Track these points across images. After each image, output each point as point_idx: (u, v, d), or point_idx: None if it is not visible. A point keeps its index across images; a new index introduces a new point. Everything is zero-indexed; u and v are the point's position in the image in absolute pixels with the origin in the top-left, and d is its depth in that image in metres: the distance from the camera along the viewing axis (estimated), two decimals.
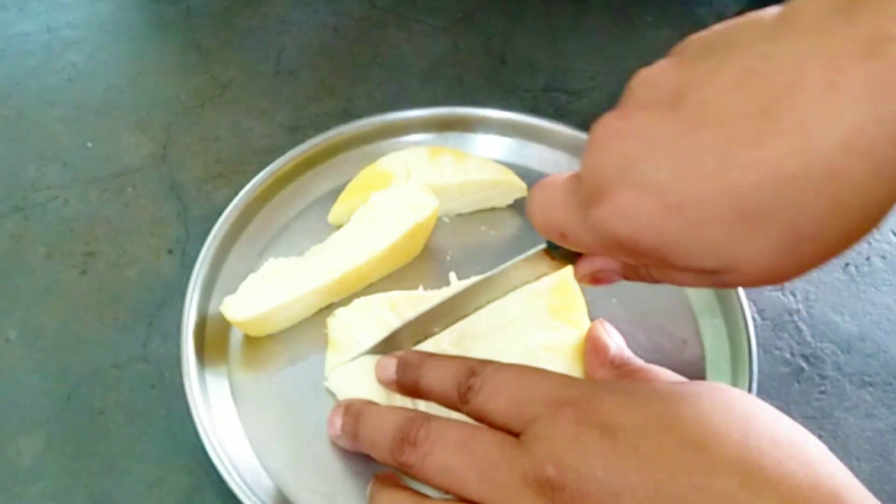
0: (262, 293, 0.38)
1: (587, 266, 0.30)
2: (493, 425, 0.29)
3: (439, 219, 0.45)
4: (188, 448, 0.37)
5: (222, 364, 0.39)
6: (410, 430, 0.30)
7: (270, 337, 0.40)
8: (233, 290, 0.39)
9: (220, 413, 0.37)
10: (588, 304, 0.39)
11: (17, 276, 0.44)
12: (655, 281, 0.28)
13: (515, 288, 0.36)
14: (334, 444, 0.36)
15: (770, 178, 0.20)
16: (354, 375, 0.37)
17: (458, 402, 0.31)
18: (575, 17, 0.62)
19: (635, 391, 0.27)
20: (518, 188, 0.46)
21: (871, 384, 0.43)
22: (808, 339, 0.44)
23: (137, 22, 0.60)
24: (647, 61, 0.25)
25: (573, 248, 0.28)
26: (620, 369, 0.33)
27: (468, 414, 0.30)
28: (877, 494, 0.39)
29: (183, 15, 0.59)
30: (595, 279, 0.30)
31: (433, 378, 0.32)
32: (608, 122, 0.24)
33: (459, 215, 0.46)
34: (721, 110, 0.21)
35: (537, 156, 0.49)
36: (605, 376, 0.34)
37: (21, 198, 0.48)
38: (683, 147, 0.21)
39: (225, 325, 0.40)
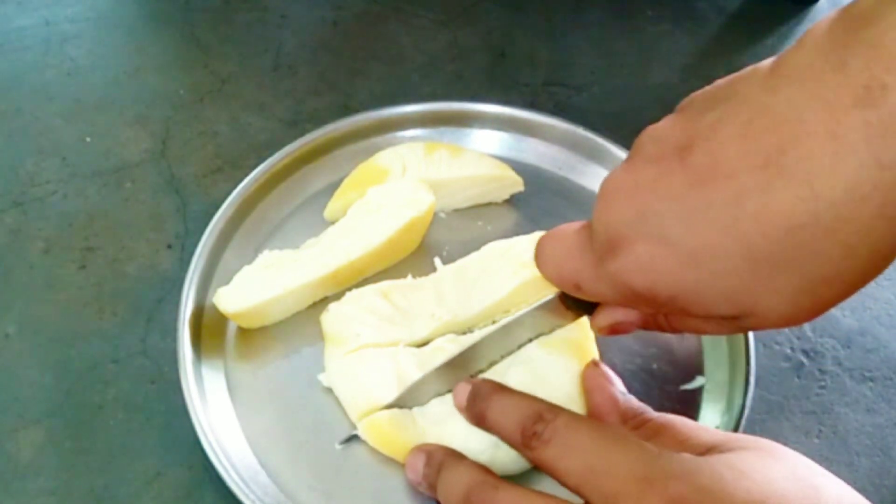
0: (255, 285, 0.38)
1: (606, 317, 0.29)
2: (563, 484, 0.28)
3: (435, 214, 0.45)
4: (187, 443, 0.37)
5: (219, 358, 0.39)
6: (478, 500, 0.29)
7: (265, 330, 0.40)
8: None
9: (217, 409, 0.37)
10: None
11: (16, 271, 0.44)
12: (675, 330, 0.28)
13: (530, 340, 0.36)
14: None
15: (780, 227, 0.20)
16: (349, 370, 0.37)
17: (520, 445, 0.30)
18: (575, 11, 0.61)
19: (718, 472, 0.27)
20: (514, 183, 0.45)
21: (871, 379, 0.43)
22: (808, 333, 0.44)
23: (136, 16, 0.59)
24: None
25: (589, 300, 0.28)
26: (634, 420, 0.33)
27: (531, 460, 0.30)
28: (877, 490, 0.40)
29: (182, 9, 0.59)
30: (613, 330, 0.30)
31: (499, 414, 0.32)
32: (618, 177, 0.25)
33: (456, 211, 0.46)
34: (727, 162, 0.21)
35: (534, 150, 0.49)
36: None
37: (20, 192, 0.48)
38: (694, 199, 0.22)
39: (221, 320, 0.40)
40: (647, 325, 0.29)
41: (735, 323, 0.24)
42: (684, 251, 0.22)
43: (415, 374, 0.36)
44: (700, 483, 0.26)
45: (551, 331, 0.36)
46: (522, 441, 0.30)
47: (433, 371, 0.35)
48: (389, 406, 0.36)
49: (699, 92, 0.25)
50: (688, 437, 0.30)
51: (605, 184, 0.25)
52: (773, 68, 0.21)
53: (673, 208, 0.23)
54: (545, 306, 0.33)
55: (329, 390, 0.38)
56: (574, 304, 0.31)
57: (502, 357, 0.36)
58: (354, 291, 0.39)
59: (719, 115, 0.22)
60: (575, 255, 0.27)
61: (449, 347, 0.37)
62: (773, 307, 0.22)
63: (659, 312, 0.28)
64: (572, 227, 0.28)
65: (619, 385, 0.35)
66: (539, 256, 0.29)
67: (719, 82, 0.24)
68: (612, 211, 0.25)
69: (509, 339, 0.36)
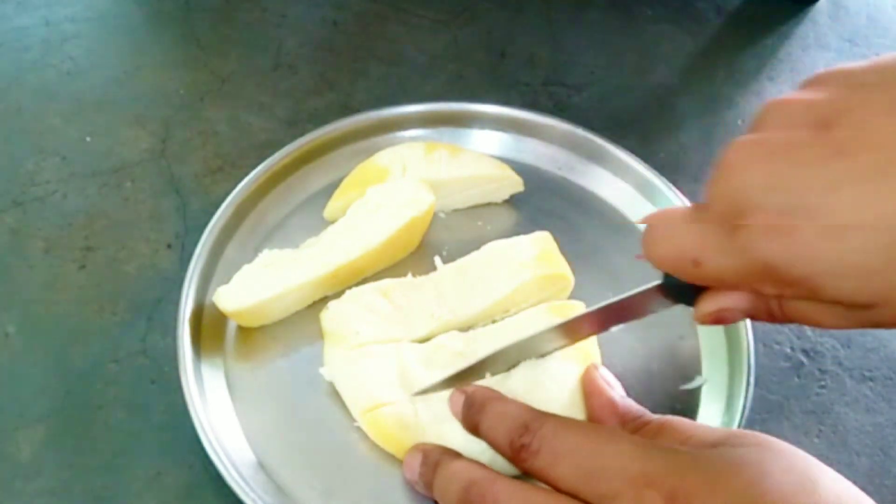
0: (255, 284, 0.38)
1: (712, 303, 0.27)
2: (559, 490, 0.28)
3: (435, 214, 0.45)
4: (188, 442, 0.37)
5: (219, 357, 0.39)
6: (476, 494, 0.29)
7: (265, 329, 0.40)
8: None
9: (217, 408, 0.37)
10: (586, 302, 0.39)
11: (16, 271, 0.44)
12: (786, 319, 0.26)
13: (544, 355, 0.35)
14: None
15: None
16: (352, 365, 0.37)
17: (511, 459, 0.30)
18: (575, 11, 0.61)
19: (715, 466, 0.27)
20: (514, 183, 0.45)
21: (871, 379, 0.43)
22: (808, 333, 0.44)
23: (136, 16, 0.59)
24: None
25: (702, 281, 0.26)
26: (633, 423, 0.33)
27: (526, 473, 0.30)
28: (877, 489, 0.40)
29: (182, 9, 0.59)
30: (718, 318, 0.27)
31: (489, 427, 0.32)
32: (747, 144, 0.24)
33: (455, 211, 0.46)
34: (876, 134, 0.21)
35: (533, 150, 0.49)
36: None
37: (20, 192, 0.48)
38: (837, 169, 0.21)
39: (221, 319, 0.40)
40: (754, 314, 0.27)
41: (862, 314, 0.23)
42: (823, 222, 0.21)
43: (418, 370, 0.36)
44: (698, 477, 0.26)
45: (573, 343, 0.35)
46: (512, 455, 0.30)
47: (445, 380, 0.35)
48: (428, 390, 0.36)
49: (833, 70, 0.24)
50: (688, 437, 0.30)
51: (732, 151, 0.24)
52: None
53: (813, 177, 0.22)
54: (644, 295, 0.31)
55: (329, 390, 0.38)
56: (677, 291, 0.29)
57: (517, 363, 0.36)
58: (354, 289, 0.39)
59: (868, 91, 0.22)
60: (694, 230, 0.26)
61: (451, 344, 0.37)
62: None
63: (781, 295, 0.25)
64: (676, 208, 0.27)
65: (618, 389, 0.35)
66: (650, 236, 0.27)
67: (859, 63, 0.23)
68: (739, 178, 0.23)
69: (526, 351, 0.35)
